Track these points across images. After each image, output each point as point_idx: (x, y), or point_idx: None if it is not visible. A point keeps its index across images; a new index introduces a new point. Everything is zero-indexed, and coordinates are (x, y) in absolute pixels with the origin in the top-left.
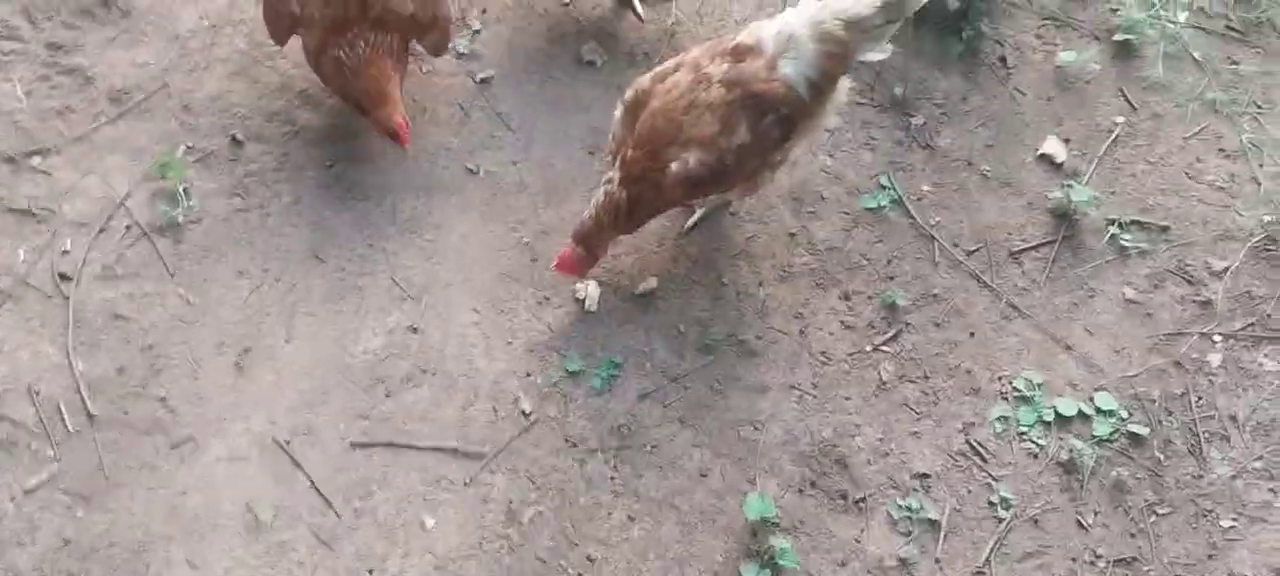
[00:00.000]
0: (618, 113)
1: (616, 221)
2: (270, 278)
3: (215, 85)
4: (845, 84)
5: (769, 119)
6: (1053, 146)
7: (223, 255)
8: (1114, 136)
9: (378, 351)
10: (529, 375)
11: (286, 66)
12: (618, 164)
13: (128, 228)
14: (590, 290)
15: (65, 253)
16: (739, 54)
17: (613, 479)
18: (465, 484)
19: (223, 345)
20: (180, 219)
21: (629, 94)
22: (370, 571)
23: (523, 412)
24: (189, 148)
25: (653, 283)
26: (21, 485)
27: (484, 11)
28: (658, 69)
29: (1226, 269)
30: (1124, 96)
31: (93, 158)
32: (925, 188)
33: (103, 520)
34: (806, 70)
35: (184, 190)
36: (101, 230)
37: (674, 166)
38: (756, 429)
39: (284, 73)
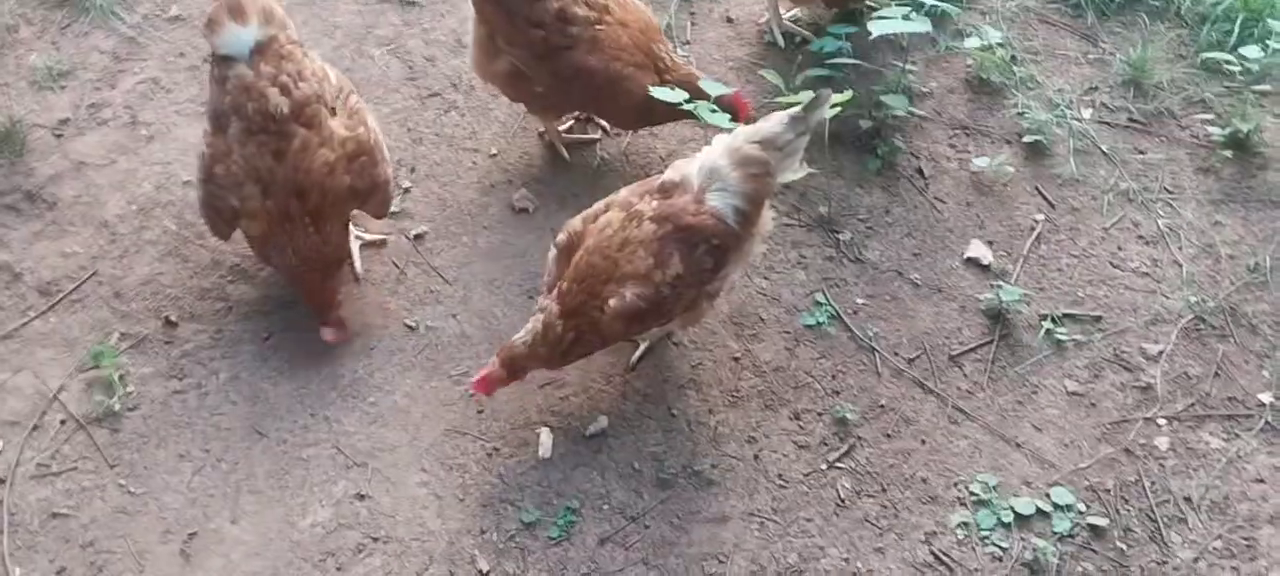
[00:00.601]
0: (551, 255)
1: (551, 352)
2: (212, 458)
3: (146, 269)
4: (768, 212)
5: (701, 249)
6: (978, 249)
7: (162, 440)
8: (1036, 234)
9: (326, 524)
10: (484, 532)
11: (217, 243)
12: (555, 296)
13: (62, 422)
14: (542, 436)
15: None
16: (666, 191)
17: None
18: None
19: (168, 533)
20: (117, 407)
21: (561, 236)
22: None
23: (480, 572)
24: (122, 334)
25: (603, 422)
26: None
27: (413, 170)
28: (588, 211)
29: (1161, 352)
30: (1041, 194)
31: (24, 354)
32: (860, 300)
33: None
34: (733, 199)
35: (119, 377)
36: (35, 427)
37: (612, 302)
38: (721, 562)
39: (215, 249)
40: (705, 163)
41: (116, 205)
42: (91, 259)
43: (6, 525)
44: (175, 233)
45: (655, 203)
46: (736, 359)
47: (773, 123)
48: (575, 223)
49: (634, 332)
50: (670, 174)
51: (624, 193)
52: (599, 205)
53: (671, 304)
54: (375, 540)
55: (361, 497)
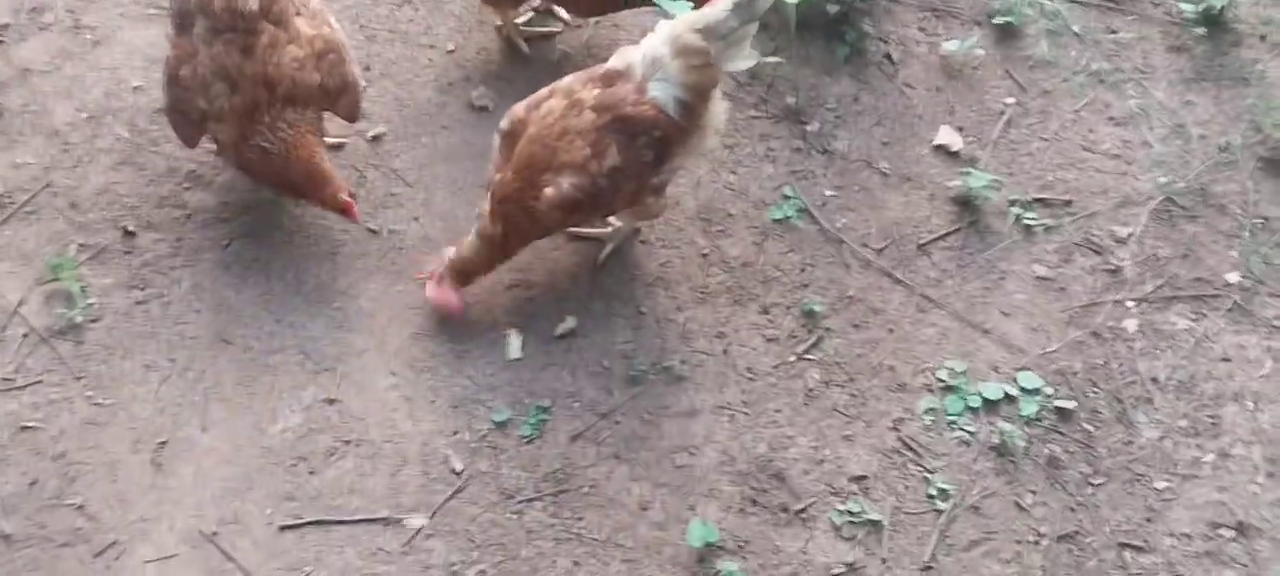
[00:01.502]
0: (495, 142)
1: (491, 255)
2: (179, 368)
3: (100, 178)
4: (721, 104)
5: (641, 141)
6: (947, 136)
7: (128, 351)
8: (1006, 118)
9: (297, 429)
10: (456, 432)
11: (172, 149)
12: (488, 195)
13: (25, 335)
14: (511, 338)
15: None
16: (609, 79)
17: (553, 525)
18: (403, 552)
19: (138, 443)
20: (79, 319)
21: (504, 123)
22: None
23: (454, 471)
24: (80, 245)
25: (572, 322)
26: None
27: (368, 69)
28: (532, 97)
29: (1131, 235)
30: (1011, 78)
31: None
32: (828, 192)
33: None
34: (675, 90)
35: (80, 289)
36: None
37: (548, 192)
38: (692, 454)
39: (170, 156)
40: (647, 51)
41: (65, 113)
42: (44, 169)
43: None
44: (129, 140)
45: (597, 91)
46: (704, 255)
47: (716, 10)
48: (518, 110)
49: (574, 223)
50: (614, 62)
51: (568, 79)
52: (543, 92)
53: (610, 196)
54: (347, 443)
55: (331, 402)
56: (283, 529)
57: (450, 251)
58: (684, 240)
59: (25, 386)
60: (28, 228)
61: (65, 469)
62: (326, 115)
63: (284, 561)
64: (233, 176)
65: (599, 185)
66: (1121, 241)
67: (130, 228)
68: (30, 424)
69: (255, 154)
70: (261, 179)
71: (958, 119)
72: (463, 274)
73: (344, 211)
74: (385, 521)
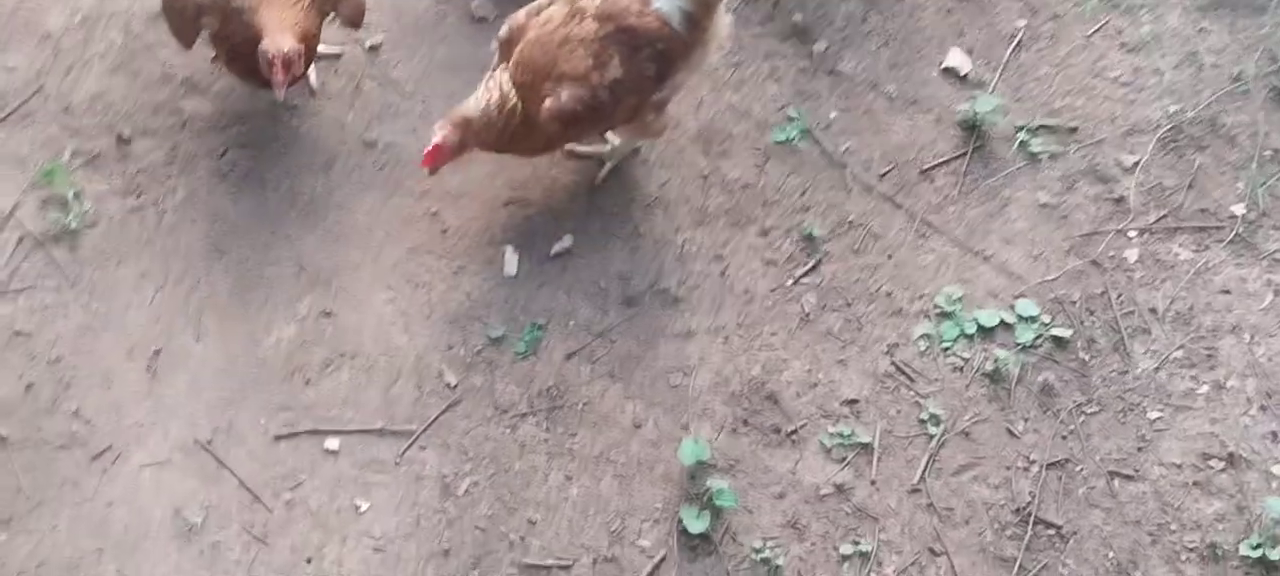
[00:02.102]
0: (493, 47)
1: (502, 131)
2: (173, 277)
3: (94, 83)
4: (726, 18)
5: (644, 54)
6: (956, 59)
7: (123, 258)
8: (1016, 42)
9: (292, 340)
10: (451, 347)
11: (167, 55)
12: (508, 69)
13: (19, 240)
14: (507, 255)
15: None
16: None
17: (546, 441)
18: (396, 463)
19: (133, 351)
20: (74, 225)
21: (503, 30)
22: (308, 561)
23: (448, 385)
24: (74, 151)
25: (568, 241)
26: None
27: None
28: (532, 4)
29: (1137, 163)
30: (1023, 0)
31: None
32: (833, 115)
33: (28, 542)
34: (681, 2)
35: (74, 195)
36: None
37: (547, 102)
38: (686, 375)
39: (165, 62)
40: None
41: (58, 17)
42: (36, 73)
43: None
44: (123, 45)
45: (599, 0)
46: (704, 176)
47: None
48: (518, 16)
49: (572, 137)
50: None
51: None
52: None
53: (610, 109)
54: (342, 355)
55: (326, 315)
56: (277, 438)
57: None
58: (684, 161)
59: (20, 291)
60: (21, 132)
61: (61, 374)
62: (328, 20)
63: (278, 470)
64: (229, 83)
65: (600, 98)
66: (1127, 170)
67: (125, 134)
68: (25, 329)
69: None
70: (244, 74)
71: (967, 41)
72: (467, 131)
73: (268, 68)
74: (379, 433)
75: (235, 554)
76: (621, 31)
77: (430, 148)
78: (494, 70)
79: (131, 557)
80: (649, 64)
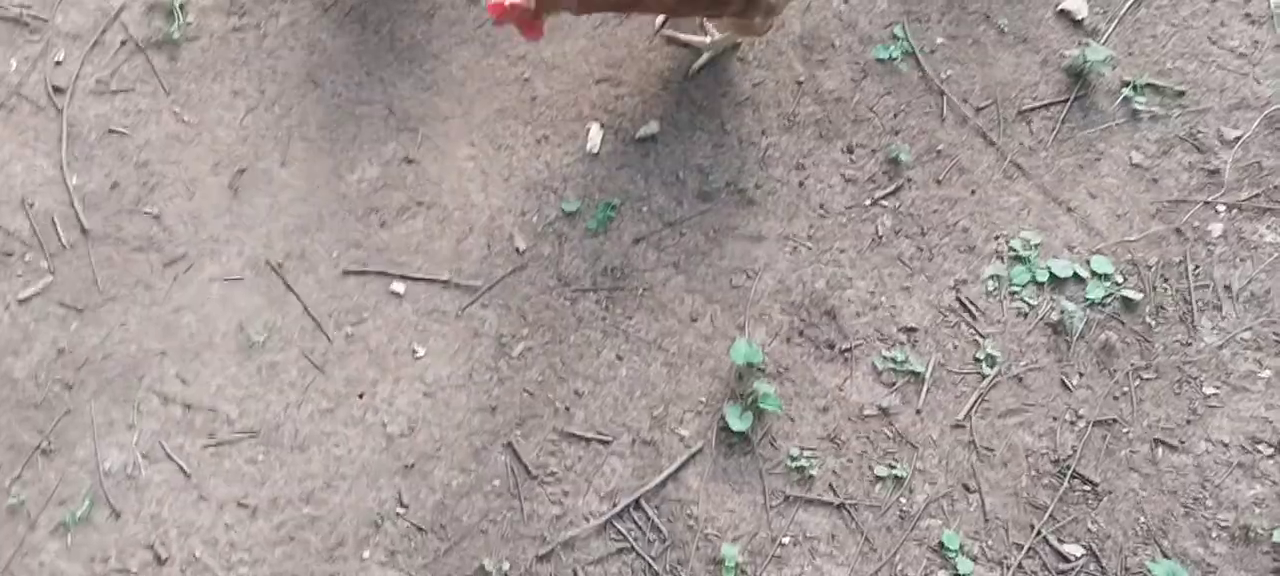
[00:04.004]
0: None
1: None
2: (267, 100)
3: None
4: None
5: None
6: (1074, 2)
7: (219, 74)
8: None
9: (373, 181)
10: (525, 213)
11: None
12: None
13: (122, 42)
14: (592, 131)
15: (58, 64)
16: None
17: (603, 319)
18: (457, 316)
19: (218, 166)
20: (175, 36)
21: None
22: (360, 395)
23: (517, 249)
24: None
25: (654, 127)
26: (16, 295)
27: None
28: None
29: (1238, 138)
30: None
31: None
32: (939, 40)
33: (96, 333)
34: None
35: (180, 6)
36: (95, 43)
37: None
38: (749, 277)
39: None
40: None
41: None
42: None
43: (66, 134)
44: None
45: None
46: (799, 82)
47: None
48: None
49: (684, 10)
50: None
51: None
52: None
53: None
54: (419, 204)
55: (409, 161)
56: (346, 273)
57: None
58: (782, 64)
59: (118, 92)
60: None
61: (146, 177)
62: None
63: (343, 304)
64: None
65: None
66: (1227, 143)
67: None
68: (118, 128)
69: None
70: None
71: None
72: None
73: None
74: (445, 284)
75: (291, 376)
76: None
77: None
78: None
79: (192, 363)
80: None
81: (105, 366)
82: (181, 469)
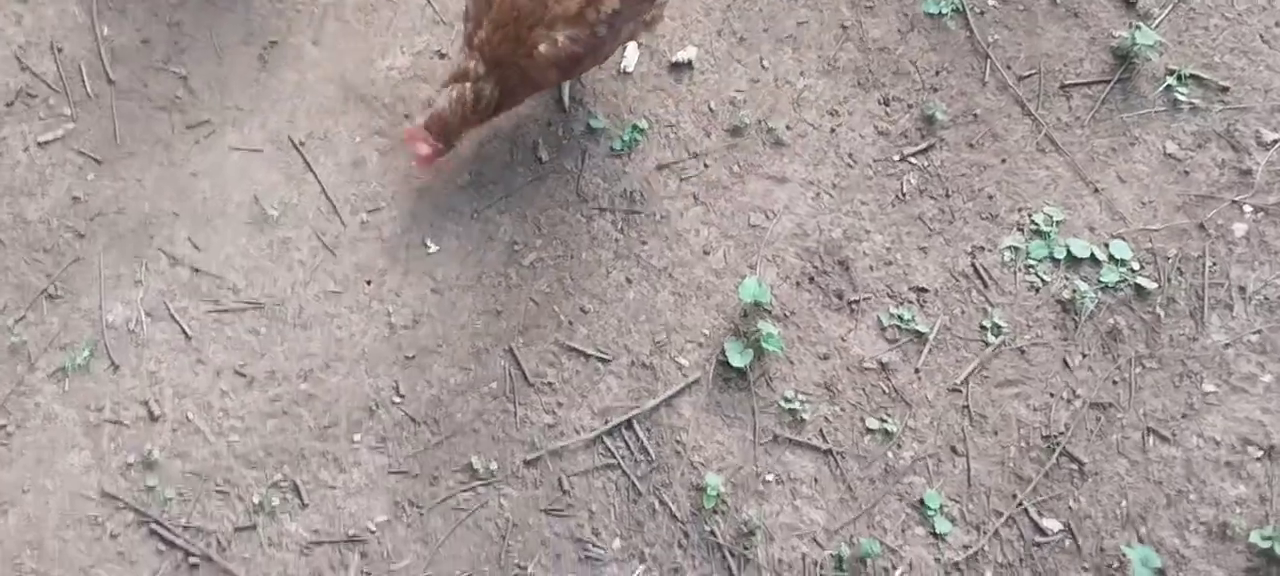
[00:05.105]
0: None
1: (483, 114)
2: None
3: None
4: None
5: None
6: None
7: None
8: None
9: (403, 70)
10: (550, 124)
11: None
12: (474, 50)
13: None
14: (629, 49)
15: None
16: None
17: (617, 240)
18: (472, 217)
19: (250, 36)
20: None
21: None
22: (368, 282)
23: (539, 159)
24: None
25: (692, 52)
26: (36, 137)
27: None
28: None
29: (1276, 142)
30: None
31: None
32: (991, 2)
33: (112, 186)
34: None
35: None
36: None
37: (542, 48)
38: (768, 217)
39: None
40: None
41: None
42: None
43: None
44: None
45: None
46: (844, 27)
47: None
48: None
49: (570, 77)
50: None
51: None
52: None
53: (609, 42)
54: None
55: (441, 55)
56: (365, 159)
57: (438, 99)
58: (829, 6)
59: None
60: None
61: (177, 38)
62: None
63: (360, 190)
64: None
65: (599, 34)
66: (1264, 145)
67: None
68: None
69: None
70: None
71: None
72: (447, 134)
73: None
74: (463, 183)
75: (302, 254)
76: None
77: (417, 160)
78: (459, 51)
79: (203, 229)
80: None
81: (118, 220)
82: (183, 330)
